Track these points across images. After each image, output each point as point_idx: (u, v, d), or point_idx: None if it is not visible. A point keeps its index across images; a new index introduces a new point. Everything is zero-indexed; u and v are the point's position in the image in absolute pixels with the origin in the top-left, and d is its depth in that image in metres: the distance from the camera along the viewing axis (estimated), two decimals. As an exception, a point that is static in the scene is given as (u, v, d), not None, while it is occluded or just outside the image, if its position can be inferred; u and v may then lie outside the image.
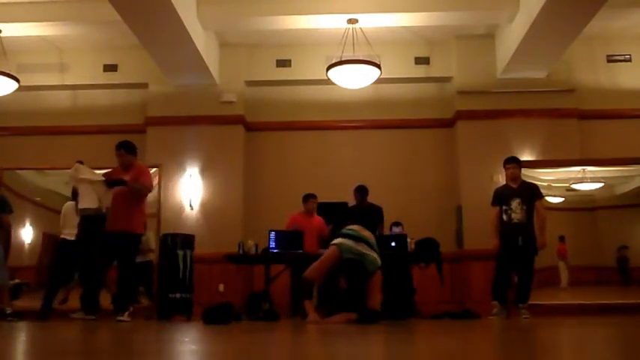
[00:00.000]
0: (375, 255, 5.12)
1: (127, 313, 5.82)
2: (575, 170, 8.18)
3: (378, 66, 7.57)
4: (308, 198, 7.34)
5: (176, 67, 8.19)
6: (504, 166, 6.76)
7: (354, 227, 5.28)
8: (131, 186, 5.86)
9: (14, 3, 7.54)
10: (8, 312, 6.15)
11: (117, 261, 5.93)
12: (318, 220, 7.38)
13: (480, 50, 8.69)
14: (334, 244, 5.16)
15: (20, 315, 6.33)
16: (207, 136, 8.69)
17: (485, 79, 8.62)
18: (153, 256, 7.82)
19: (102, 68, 8.97)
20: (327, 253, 5.19)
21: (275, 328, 4.44)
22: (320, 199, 7.50)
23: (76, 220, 6.53)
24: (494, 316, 6.37)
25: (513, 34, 7.83)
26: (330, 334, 3.64)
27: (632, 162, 8.02)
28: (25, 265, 6.41)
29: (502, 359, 2.11)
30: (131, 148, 6.15)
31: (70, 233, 6.65)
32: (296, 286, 6.51)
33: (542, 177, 7.96)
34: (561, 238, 7.96)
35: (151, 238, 7.84)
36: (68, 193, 7.11)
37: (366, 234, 5.25)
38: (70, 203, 6.78)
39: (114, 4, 6.45)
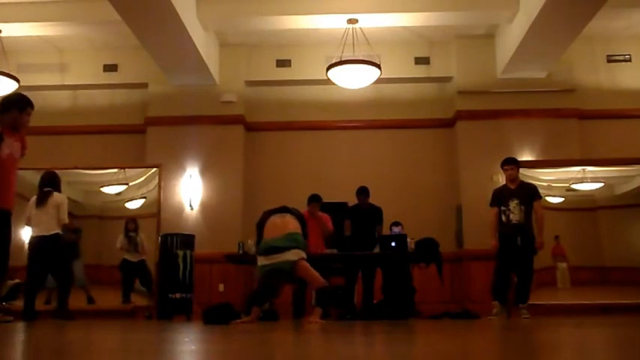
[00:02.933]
0: (289, 252, 4.81)
1: None
2: (575, 170, 8.16)
3: (378, 66, 7.57)
4: (309, 202, 7.16)
5: (176, 67, 8.19)
6: (502, 168, 6.76)
7: (265, 239, 5.00)
8: None
9: (14, 3, 7.54)
10: None
11: None
12: (321, 218, 7.18)
13: (480, 50, 8.70)
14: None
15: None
16: (207, 136, 8.69)
17: (485, 79, 8.62)
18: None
19: (102, 68, 8.98)
20: None
21: (275, 328, 4.44)
22: (320, 200, 7.45)
23: (40, 215, 6.10)
24: (494, 316, 6.38)
25: (513, 34, 7.83)
26: (330, 334, 3.64)
27: (632, 162, 8.01)
28: (24, 265, 6.40)
29: (502, 359, 2.11)
30: None
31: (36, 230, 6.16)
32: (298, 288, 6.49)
33: (542, 177, 7.95)
34: (556, 238, 7.90)
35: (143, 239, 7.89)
36: (68, 192, 7.07)
37: (277, 239, 4.90)
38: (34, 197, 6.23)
39: (114, 4, 6.46)
